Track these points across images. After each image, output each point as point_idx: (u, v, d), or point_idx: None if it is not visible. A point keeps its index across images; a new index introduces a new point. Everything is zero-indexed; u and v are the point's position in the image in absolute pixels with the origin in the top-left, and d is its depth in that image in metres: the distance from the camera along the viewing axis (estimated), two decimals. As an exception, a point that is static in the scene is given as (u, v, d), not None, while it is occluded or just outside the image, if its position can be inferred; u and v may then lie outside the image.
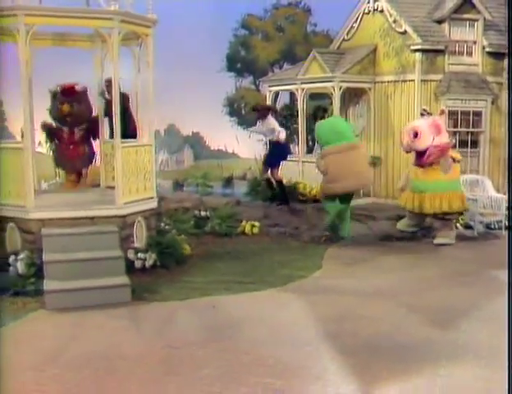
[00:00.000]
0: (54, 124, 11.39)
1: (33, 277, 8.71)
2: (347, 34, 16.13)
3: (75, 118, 11.13)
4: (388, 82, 14.88)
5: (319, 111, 17.71)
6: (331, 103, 17.42)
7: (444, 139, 11.76)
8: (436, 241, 11.77)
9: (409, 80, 14.34)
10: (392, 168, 14.88)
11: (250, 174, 19.05)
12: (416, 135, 11.75)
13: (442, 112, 12.48)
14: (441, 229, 11.90)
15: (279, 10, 28.86)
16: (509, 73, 13.59)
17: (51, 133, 11.55)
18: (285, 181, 14.82)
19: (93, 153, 11.77)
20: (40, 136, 12.32)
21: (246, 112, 26.64)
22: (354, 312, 7.90)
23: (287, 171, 15.58)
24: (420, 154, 11.84)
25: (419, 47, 14.00)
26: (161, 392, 5.62)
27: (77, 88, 11.24)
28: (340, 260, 10.71)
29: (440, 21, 14.41)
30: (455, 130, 14.38)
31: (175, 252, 9.96)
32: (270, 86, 17.09)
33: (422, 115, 12.34)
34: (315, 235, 12.28)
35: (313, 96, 17.51)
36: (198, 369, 6.08)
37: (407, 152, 12.26)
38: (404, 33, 14.34)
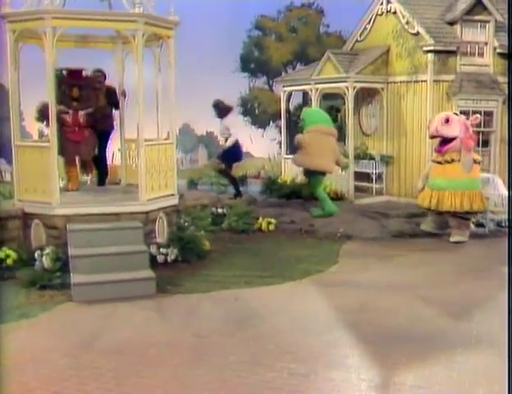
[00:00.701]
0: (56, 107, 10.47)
1: (58, 271, 9.05)
2: (360, 36, 16.41)
3: (82, 103, 11.13)
4: (401, 82, 15.14)
5: (332, 111, 17.98)
6: (344, 103, 17.72)
7: (470, 142, 12.11)
8: (452, 239, 11.96)
9: (422, 81, 14.59)
10: (404, 167, 15.14)
11: (264, 173, 19.31)
12: (447, 120, 12.02)
13: (476, 119, 12.66)
14: (459, 227, 12.06)
15: (292, 11, 29.14)
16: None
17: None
18: (300, 179, 15.17)
19: (96, 141, 11.48)
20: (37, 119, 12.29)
21: (260, 112, 26.95)
22: (371, 304, 8.20)
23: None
24: (444, 143, 12.10)
25: (432, 48, 14.25)
26: (192, 377, 5.91)
27: (85, 73, 11.38)
28: (356, 256, 11.00)
29: (452, 23, 14.67)
30: (466, 129, 14.58)
31: (195, 247, 10.29)
32: (284, 86, 17.36)
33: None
34: (330, 231, 12.57)
35: (326, 96, 17.75)
36: (226, 356, 6.39)
37: (431, 137, 12.53)
38: (417, 34, 14.61)
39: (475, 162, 12.23)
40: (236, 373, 6.00)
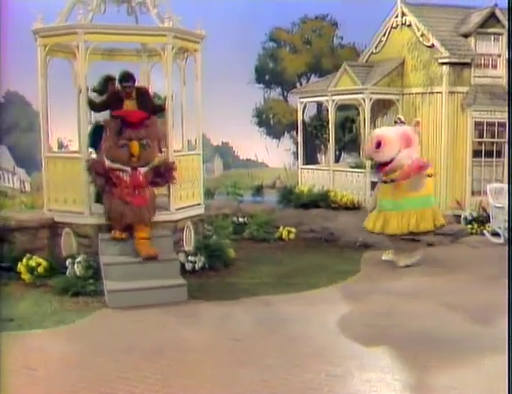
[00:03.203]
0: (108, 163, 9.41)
1: (91, 278, 9.33)
2: (375, 48, 16.71)
3: (144, 158, 9.48)
4: (416, 94, 15.41)
5: (347, 121, 18.32)
6: (358, 114, 18.04)
7: (414, 153, 10.85)
8: (400, 264, 10.95)
9: (437, 92, 14.85)
10: (420, 177, 15.35)
11: (279, 182, 19.62)
12: (379, 145, 10.67)
13: (417, 124, 11.68)
14: (405, 250, 11.12)
15: (306, 23, 29.47)
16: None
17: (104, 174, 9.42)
18: (317, 189, 15.42)
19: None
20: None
21: (275, 123, 27.28)
22: (397, 309, 8.47)
23: (320, 180, 16.21)
24: (382, 164, 10.87)
25: (447, 60, 14.52)
26: (235, 378, 6.17)
27: (143, 114, 9.52)
28: (377, 264, 11.28)
29: (466, 35, 14.95)
30: (481, 140, 14.87)
31: (222, 255, 10.57)
32: (301, 98, 17.67)
33: (395, 123, 11.64)
34: (349, 240, 12.83)
35: (340, 107, 18.04)
36: (263, 358, 6.66)
37: (367, 159, 11.76)
38: (432, 46, 14.89)
39: (429, 175, 11.08)
40: (276, 374, 6.25)
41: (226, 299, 8.98)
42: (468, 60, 14.65)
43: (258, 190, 18.98)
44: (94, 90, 10.12)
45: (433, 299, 8.95)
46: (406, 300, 8.88)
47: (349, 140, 19.86)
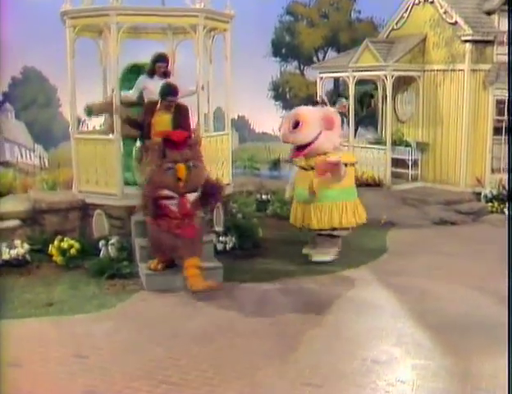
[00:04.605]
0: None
1: (125, 260, 9.39)
2: (396, 24, 16.59)
3: (192, 182, 8.41)
4: (437, 71, 15.35)
5: (366, 97, 18.29)
6: (376, 88, 18.02)
7: (336, 136, 9.95)
8: (313, 258, 10.08)
9: (459, 70, 14.79)
10: (440, 154, 15.40)
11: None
12: (297, 124, 9.67)
13: (344, 106, 10.86)
14: (322, 245, 10.11)
15: (324, -4, 29.35)
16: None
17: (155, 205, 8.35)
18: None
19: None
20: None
21: (291, 97, 27.21)
22: (431, 293, 8.58)
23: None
24: (299, 147, 9.89)
25: (470, 38, 14.45)
26: (286, 364, 6.27)
27: (186, 132, 8.64)
28: (403, 243, 11.39)
29: (489, 12, 14.86)
30: (500, 118, 14.84)
31: (252, 235, 10.63)
32: (320, 73, 17.62)
33: (316, 103, 10.84)
34: (373, 218, 12.86)
35: (358, 82, 18.00)
36: (309, 344, 6.79)
37: (284, 142, 10.27)
38: (455, 24, 14.80)
39: (346, 165, 9.83)
40: (326, 358, 6.38)
41: (260, 280, 9.06)
42: (491, 38, 14.56)
43: (275, 164, 18.98)
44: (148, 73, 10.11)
45: (464, 281, 9.07)
46: (438, 283, 9.00)
47: (365, 115, 19.84)
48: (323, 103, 10.56)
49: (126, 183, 10.31)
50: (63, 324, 7.41)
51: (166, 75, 10.06)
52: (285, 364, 6.29)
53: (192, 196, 8.46)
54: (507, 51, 14.25)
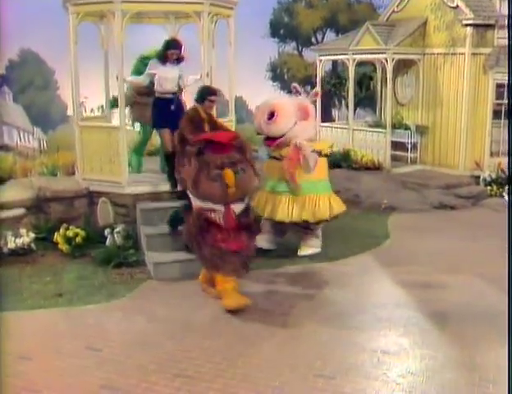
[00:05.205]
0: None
1: (131, 248, 9.42)
2: (397, 7, 16.54)
3: (239, 190, 7.42)
4: (438, 54, 15.35)
5: (365, 79, 18.28)
6: (375, 70, 18.02)
7: (310, 127, 9.81)
8: (301, 253, 9.79)
9: (459, 53, 14.79)
10: (439, 137, 15.44)
11: (296, 139, 19.59)
12: (271, 116, 9.43)
13: (316, 95, 10.61)
14: (305, 238, 9.88)
15: (323, -23, 29.12)
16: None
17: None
18: (336, 149, 15.47)
19: None
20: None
21: (289, 78, 27.16)
22: (434, 280, 8.67)
23: (339, 139, 16.30)
24: (272, 137, 9.62)
25: (471, 21, 14.44)
26: (294, 358, 6.35)
27: (232, 132, 8.12)
28: (405, 229, 11.47)
29: (490, -4, 14.86)
30: (500, 102, 14.88)
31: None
32: (320, 55, 17.59)
33: (290, 92, 10.65)
34: (374, 202, 12.99)
35: (357, 63, 17.99)
36: (315, 334, 6.87)
37: (258, 134, 9.99)
38: (456, 7, 14.77)
39: (320, 154, 9.59)
40: (330, 350, 6.48)
41: (268, 267, 9.13)
42: (492, 21, 14.55)
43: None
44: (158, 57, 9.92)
45: (467, 269, 9.15)
46: (441, 271, 9.09)
47: (363, 97, 19.83)
48: (298, 93, 10.31)
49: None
50: (74, 315, 7.43)
51: (179, 61, 9.96)
52: (294, 358, 6.33)
53: (238, 207, 7.57)
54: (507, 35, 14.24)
